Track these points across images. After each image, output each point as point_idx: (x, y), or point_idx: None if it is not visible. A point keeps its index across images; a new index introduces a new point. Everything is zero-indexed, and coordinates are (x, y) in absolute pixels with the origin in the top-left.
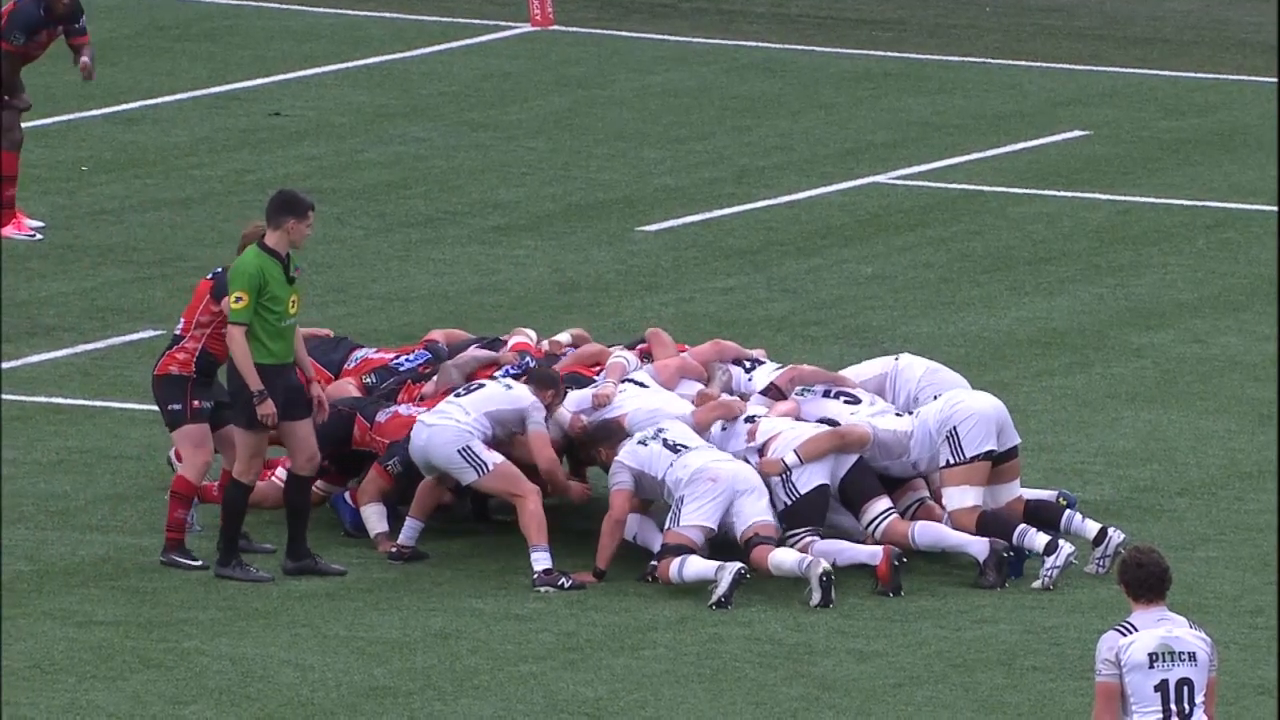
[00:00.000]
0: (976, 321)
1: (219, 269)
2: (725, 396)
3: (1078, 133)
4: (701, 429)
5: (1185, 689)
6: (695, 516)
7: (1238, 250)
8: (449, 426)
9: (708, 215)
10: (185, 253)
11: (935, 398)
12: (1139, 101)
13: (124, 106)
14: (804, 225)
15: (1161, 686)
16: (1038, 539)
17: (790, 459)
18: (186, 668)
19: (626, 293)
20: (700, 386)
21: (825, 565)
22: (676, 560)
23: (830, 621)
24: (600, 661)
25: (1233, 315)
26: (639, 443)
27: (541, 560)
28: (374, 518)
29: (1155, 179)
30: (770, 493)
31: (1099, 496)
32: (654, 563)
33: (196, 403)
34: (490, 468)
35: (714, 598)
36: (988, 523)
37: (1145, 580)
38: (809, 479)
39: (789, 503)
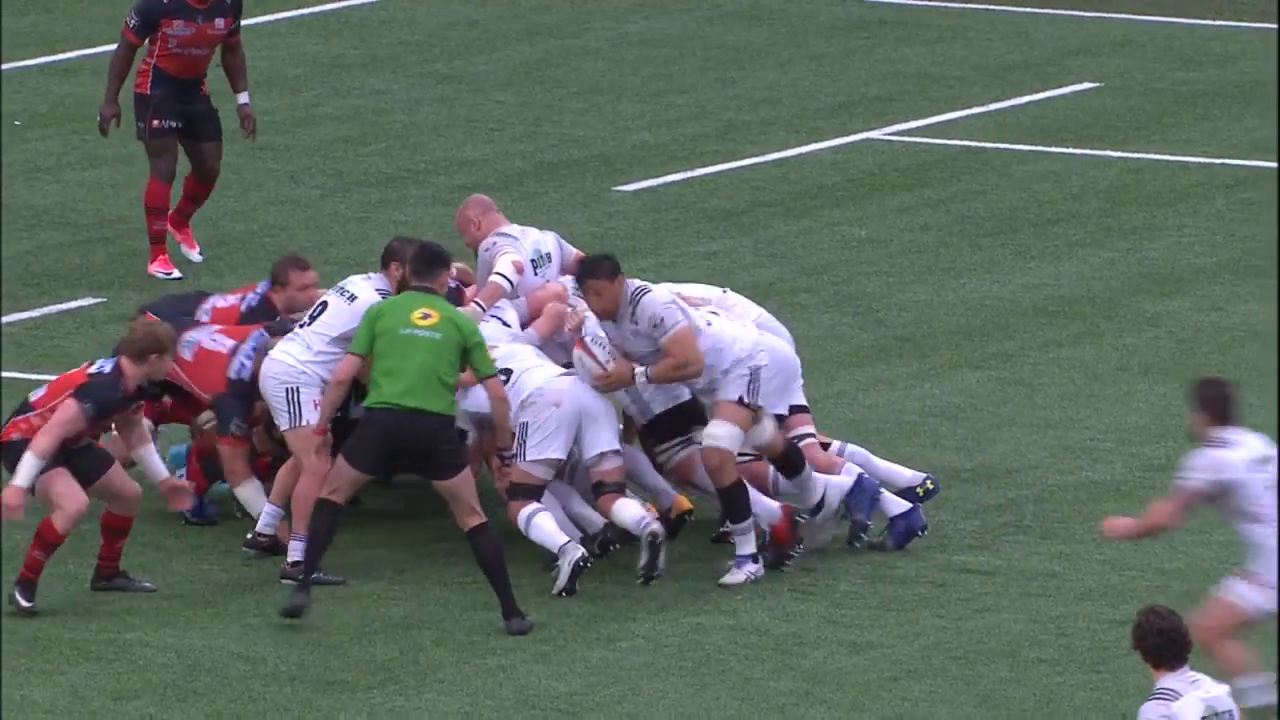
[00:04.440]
0: (978, 288)
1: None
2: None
3: (1088, 85)
4: (546, 340)
5: None
6: (541, 449)
7: (1258, 211)
8: (283, 363)
9: (690, 174)
10: (127, 214)
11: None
12: (1154, 51)
13: (60, 56)
14: (793, 185)
15: None
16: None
17: (639, 374)
18: (129, 660)
19: None
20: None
21: (655, 527)
22: (526, 510)
23: (821, 611)
24: (574, 654)
25: (1253, 281)
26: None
27: (297, 551)
28: (253, 496)
29: (1170, 134)
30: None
31: (1110, 476)
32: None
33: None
34: (303, 424)
35: (555, 588)
36: (734, 496)
37: (1169, 648)
38: (663, 401)
39: (645, 421)
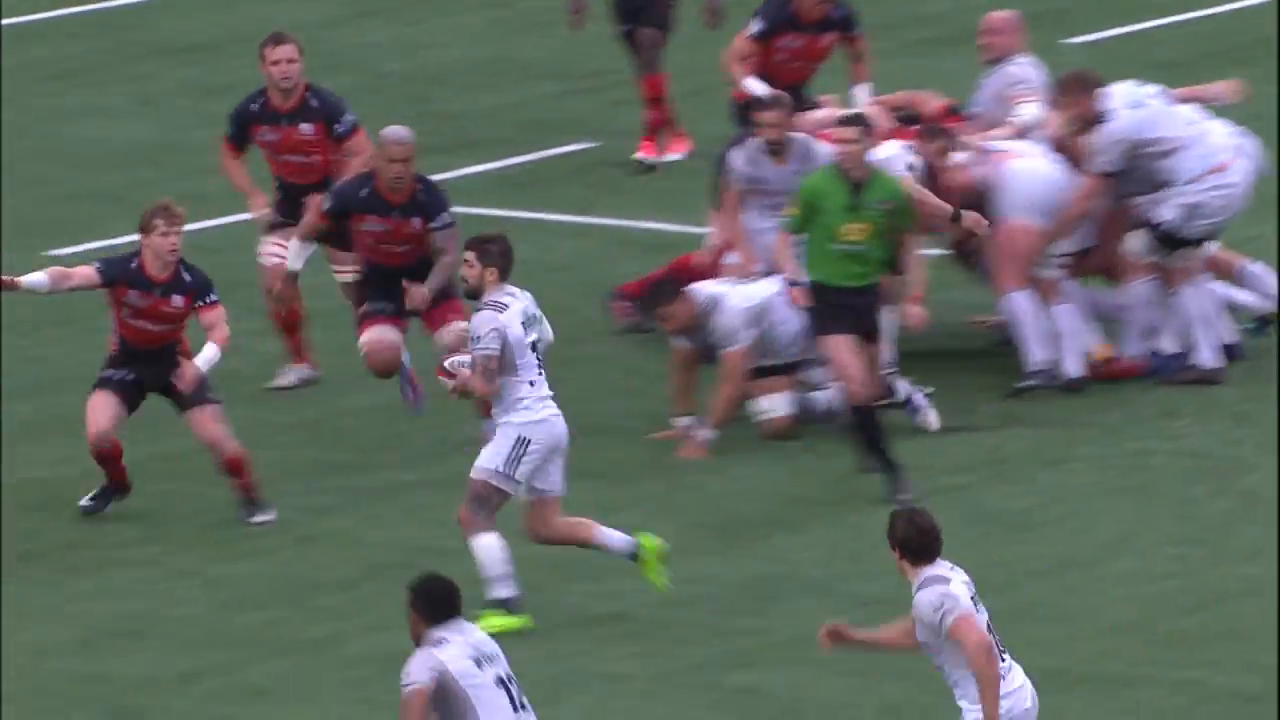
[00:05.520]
0: None
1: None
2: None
3: None
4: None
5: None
6: None
7: None
8: None
9: (1136, 27)
10: (615, 65)
11: None
12: None
13: None
14: (1238, 36)
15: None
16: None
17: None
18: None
19: None
20: None
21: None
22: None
23: (1257, 437)
24: (1025, 474)
25: None
26: None
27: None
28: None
29: None
30: None
31: None
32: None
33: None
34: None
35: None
36: None
37: (928, 544)
38: None
39: None
